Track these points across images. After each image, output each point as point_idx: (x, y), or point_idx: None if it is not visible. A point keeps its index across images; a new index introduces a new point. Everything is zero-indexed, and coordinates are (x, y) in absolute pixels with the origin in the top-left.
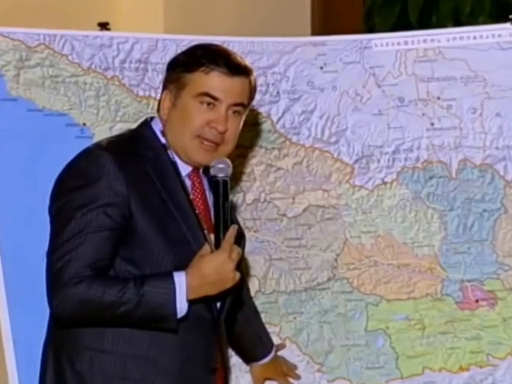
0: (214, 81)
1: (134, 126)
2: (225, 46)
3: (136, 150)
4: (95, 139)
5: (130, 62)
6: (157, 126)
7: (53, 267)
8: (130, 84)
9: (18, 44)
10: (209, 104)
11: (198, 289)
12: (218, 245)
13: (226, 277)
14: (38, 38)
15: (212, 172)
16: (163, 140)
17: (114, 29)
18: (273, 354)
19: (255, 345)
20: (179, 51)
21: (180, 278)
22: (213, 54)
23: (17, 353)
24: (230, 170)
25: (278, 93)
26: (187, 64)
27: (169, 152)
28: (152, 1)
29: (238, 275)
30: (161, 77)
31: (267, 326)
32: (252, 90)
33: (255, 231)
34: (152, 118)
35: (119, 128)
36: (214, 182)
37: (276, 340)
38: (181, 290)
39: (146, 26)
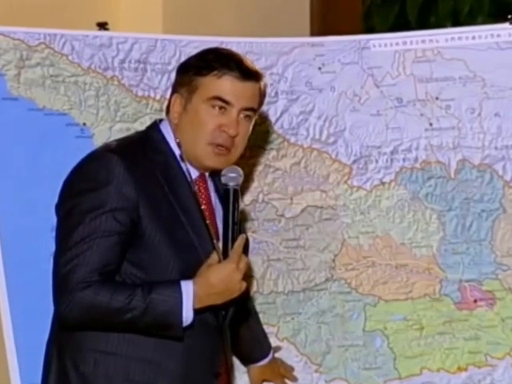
0: (226, 85)
1: (133, 125)
2: (223, 46)
3: (145, 153)
4: (95, 139)
5: (130, 62)
6: (165, 129)
7: (60, 271)
8: (130, 84)
9: (19, 43)
10: (220, 108)
11: (205, 298)
12: (225, 254)
13: (233, 287)
14: (38, 37)
15: (223, 180)
16: (173, 144)
17: (112, 29)
18: (271, 356)
19: (254, 347)
20: (178, 51)
21: (187, 287)
22: (225, 58)
23: (18, 350)
24: (241, 179)
25: (276, 93)
26: (199, 67)
27: (178, 157)
28: (151, 1)
29: (244, 285)
30: (160, 77)
31: (265, 326)
32: (262, 96)
33: (253, 232)
34: (161, 121)
35: (118, 128)
36: (224, 191)
37: (274, 340)
38: (187, 298)
39: (144, 26)
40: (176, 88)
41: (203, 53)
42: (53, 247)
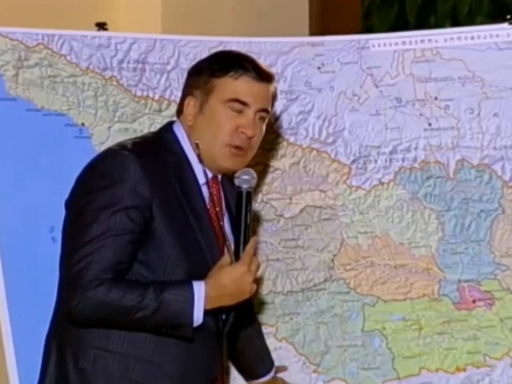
0: (243, 86)
1: (132, 126)
2: (223, 46)
3: (159, 154)
4: (93, 139)
5: (128, 62)
6: (179, 131)
7: (73, 267)
8: (128, 84)
9: (17, 44)
10: (238, 109)
11: (216, 299)
12: (237, 256)
13: (244, 288)
14: (36, 37)
15: (236, 183)
16: (186, 146)
17: (111, 29)
18: (272, 373)
19: (256, 363)
20: (177, 51)
21: (199, 288)
22: (240, 60)
23: (17, 350)
24: (254, 182)
25: None
26: (214, 69)
27: (191, 159)
28: (150, 1)
29: (255, 287)
30: (158, 77)
31: (264, 326)
32: (273, 98)
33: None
34: (173, 122)
35: (117, 128)
36: (237, 193)
37: (272, 341)
38: (199, 299)
39: (143, 26)
40: (189, 90)
41: (216, 55)
42: (51, 247)
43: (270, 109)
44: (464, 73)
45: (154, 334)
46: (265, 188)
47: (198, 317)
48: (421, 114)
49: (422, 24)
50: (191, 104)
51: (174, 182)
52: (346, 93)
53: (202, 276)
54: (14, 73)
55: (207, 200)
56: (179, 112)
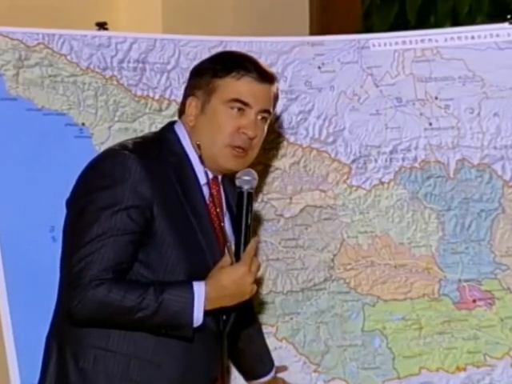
0: (245, 86)
1: (132, 125)
2: (223, 45)
3: (160, 154)
4: (94, 139)
5: (128, 62)
6: (180, 131)
7: (73, 267)
8: (128, 84)
9: (17, 43)
10: (239, 109)
11: (216, 300)
12: (238, 257)
13: (244, 289)
14: (37, 37)
15: (237, 183)
16: (187, 146)
17: (112, 28)
18: (272, 374)
19: (256, 363)
20: (177, 51)
21: (199, 288)
22: (241, 60)
23: (18, 349)
24: (255, 183)
25: None
26: (216, 70)
27: (192, 159)
28: (150, 0)
29: (255, 288)
30: (158, 76)
31: (264, 326)
32: (275, 98)
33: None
34: (175, 122)
35: (117, 128)
36: (238, 194)
37: (273, 340)
38: (199, 299)
39: (144, 26)
40: (191, 91)
41: (218, 55)
42: (51, 247)
43: (271, 110)
44: (464, 72)
45: (154, 334)
46: (265, 188)
47: (197, 317)
48: (421, 114)
49: (421, 24)
50: (193, 104)
51: (174, 182)
52: (346, 92)
53: (202, 276)
54: (15, 72)
55: (208, 200)
56: (181, 112)
